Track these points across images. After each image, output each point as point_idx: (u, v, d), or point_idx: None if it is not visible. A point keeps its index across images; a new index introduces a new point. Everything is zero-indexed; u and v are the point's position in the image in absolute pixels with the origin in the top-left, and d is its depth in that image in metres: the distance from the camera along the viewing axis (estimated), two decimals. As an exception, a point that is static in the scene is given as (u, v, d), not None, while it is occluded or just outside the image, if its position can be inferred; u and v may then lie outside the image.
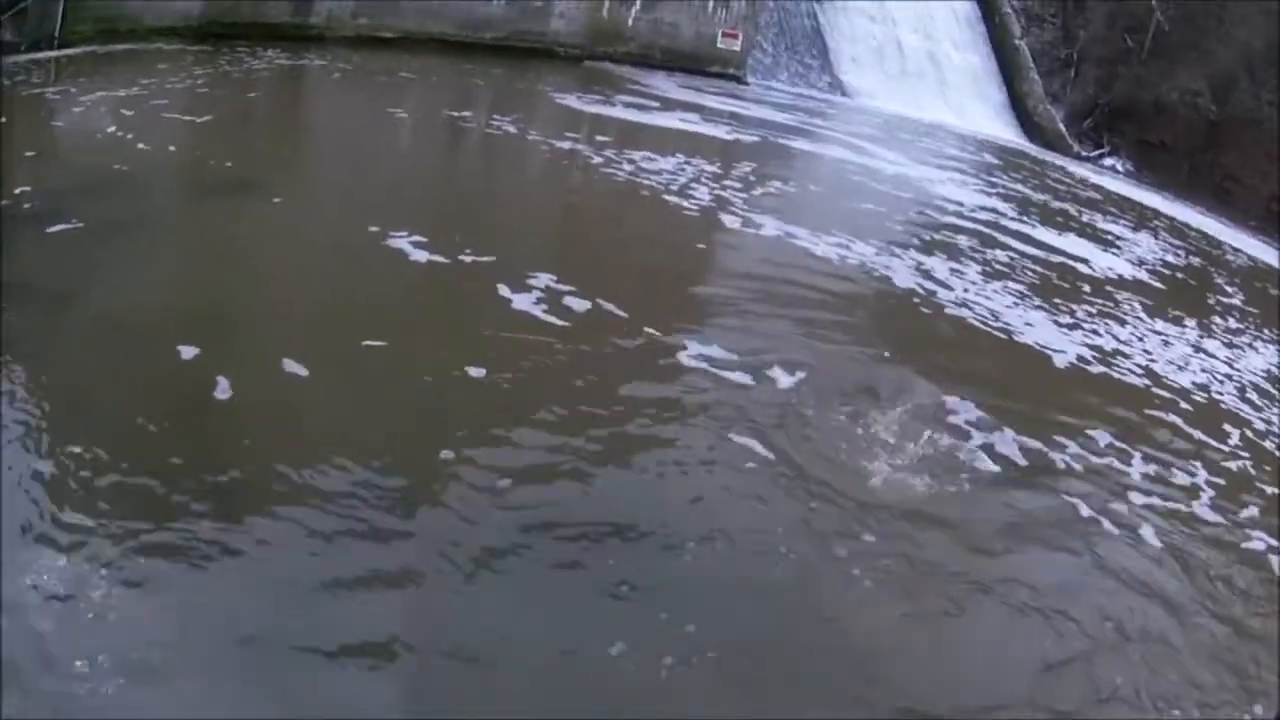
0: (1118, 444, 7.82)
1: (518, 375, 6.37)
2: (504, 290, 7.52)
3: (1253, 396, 10.77)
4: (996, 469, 6.81)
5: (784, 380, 7.12)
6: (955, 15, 30.90)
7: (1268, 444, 9.37)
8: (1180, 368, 10.68)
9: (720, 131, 16.96)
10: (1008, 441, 7.27)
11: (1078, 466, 7.22)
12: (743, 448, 6.16)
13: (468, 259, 8.06)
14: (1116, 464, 7.46)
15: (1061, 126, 31.09)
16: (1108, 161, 31.24)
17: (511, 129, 13.67)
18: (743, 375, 7.12)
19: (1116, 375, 9.76)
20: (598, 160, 12.71)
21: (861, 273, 10.52)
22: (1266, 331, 14.78)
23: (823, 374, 7.42)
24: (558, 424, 5.98)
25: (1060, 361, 9.63)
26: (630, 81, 19.33)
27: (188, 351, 5.87)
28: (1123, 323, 11.76)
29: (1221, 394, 10.39)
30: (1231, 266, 20.53)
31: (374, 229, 8.22)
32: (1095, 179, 26.73)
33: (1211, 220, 26.26)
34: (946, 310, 10.15)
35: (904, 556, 5.54)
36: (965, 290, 10.94)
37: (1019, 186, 20.63)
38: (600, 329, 7.33)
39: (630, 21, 20.55)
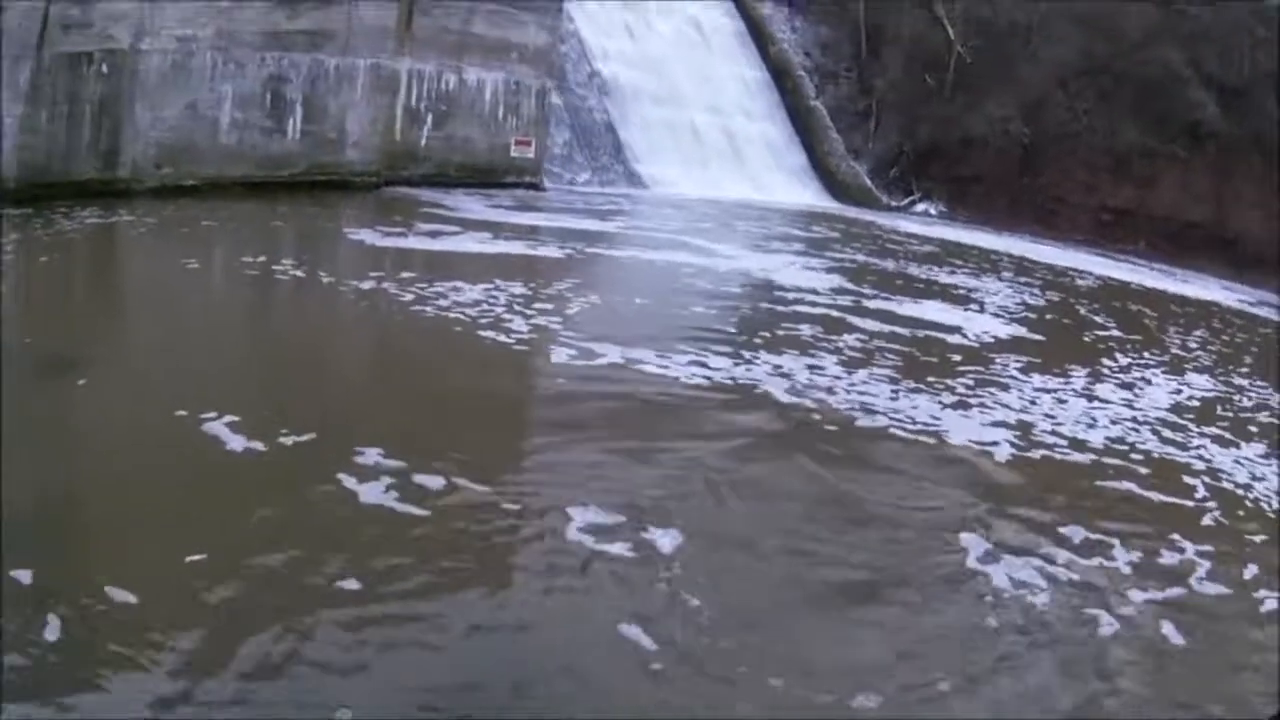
0: (1091, 536, 7.29)
1: (388, 587, 5.45)
2: (341, 478, 6.63)
3: (1173, 436, 10.70)
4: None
5: (665, 545, 6.24)
6: (746, 86, 31.36)
7: (1225, 484, 9.23)
8: (1089, 425, 10.41)
9: (526, 248, 16.49)
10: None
11: (1067, 575, 6.61)
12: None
13: (288, 440, 7.08)
14: (1102, 562, 6.93)
15: (867, 181, 31.63)
16: (920, 207, 32.01)
17: (314, 274, 12.70)
18: (622, 546, 6.19)
19: (1035, 454, 9.21)
20: (405, 299, 11.92)
21: (723, 390, 9.76)
22: (1146, 355, 15.12)
23: (704, 534, 6.54)
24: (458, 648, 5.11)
25: (968, 453, 8.93)
26: (428, 205, 18.61)
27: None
28: (1006, 388, 11.41)
29: (1143, 443, 10.17)
30: (1083, 291, 21.08)
31: (182, 413, 7.57)
32: (912, 228, 27.12)
33: (1042, 245, 27.12)
34: (827, 417, 9.39)
35: None
36: (835, 388, 10.31)
37: (843, 254, 20.65)
38: (464, 512, 6.44)
39: (424, 140, 20.25)
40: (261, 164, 18.35)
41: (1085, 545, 7.22)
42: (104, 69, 16.80)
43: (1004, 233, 28.72)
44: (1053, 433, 9.98)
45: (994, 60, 32.40)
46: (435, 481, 6.78)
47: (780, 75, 32.28)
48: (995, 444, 9.30)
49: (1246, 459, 10.34)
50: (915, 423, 9.57)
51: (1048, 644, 5.74)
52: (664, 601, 5.65)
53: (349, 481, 6.63)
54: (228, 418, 7.43)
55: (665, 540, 6.32)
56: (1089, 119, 31.11)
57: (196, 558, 5.48)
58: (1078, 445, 9.71)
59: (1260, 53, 31.23)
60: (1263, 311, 24.27)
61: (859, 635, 5.66)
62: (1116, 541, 7.34)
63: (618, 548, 6.19)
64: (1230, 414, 12.44)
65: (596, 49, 27.43)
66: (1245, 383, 14.66)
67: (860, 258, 20.57)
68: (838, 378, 10.81)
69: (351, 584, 5.42)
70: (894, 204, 31.85)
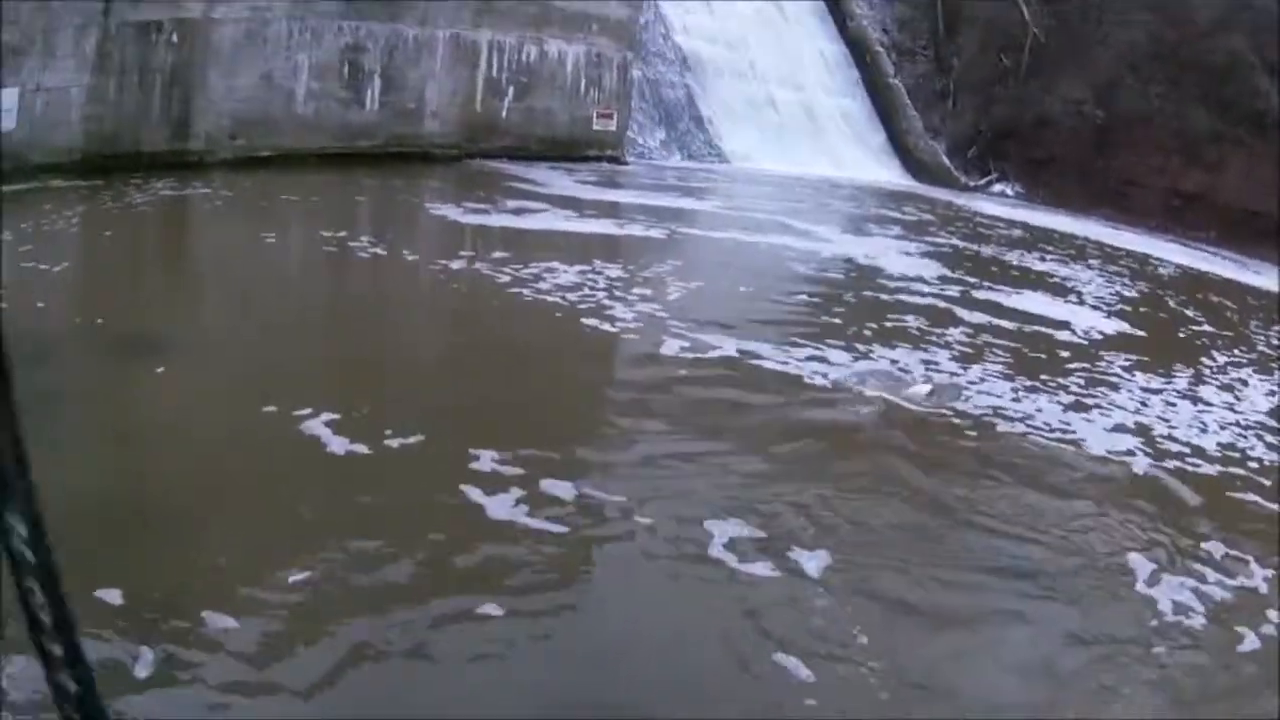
0: (1230, 553, 6.86)
1: (536, 620, 4.84)
2: (464, 488, 5.96)
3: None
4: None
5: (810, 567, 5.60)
6: (825, 62, 30.62)
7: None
8: (1201, 430, 9.88)
9: (616, 227, 15.83)
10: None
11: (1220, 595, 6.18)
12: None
13: (393, 442, 6.40)
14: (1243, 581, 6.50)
15: (945, 159, 30.90)
16: (996, 188, 31.22)
17: (397, 252, 12.33)
18: (765, 567, 5.56)
19: (1168, 464, 8.66)
20: (500, 280, 11.25)
21: (847, 392, 9.08)
22: (1236, 353, 14.54)
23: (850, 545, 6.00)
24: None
25: (1109, 468, 8.35)
26: (510, 178, 18.10)
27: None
28: (1116, 388, 10.89)
29: (1252, 449, 9.64)
30: (1167, 280, 20.59)
31: (272, 408, 6.90)
32: (993, 209, 26.51)
33: (1120, 231, 26.43)
34: (959, 422, 8.78)
35: None
36: (961, 388, 9.74)
37: (938, 238, 20.04)
38: (602, 528, 5.81)
39: (504, 113, 19.61)
40: (339, 135, 17.82)
41: (1228, 561, 6.82)
42: (174, 38, 16.34)
43: (1079, 215, 27.90)
44: (1169, 437, 9.51)
45: (1066, 42, 31.63)
46: (563, 489, 6.16)
47: (858, 51, 31.53)
48: (1130, 453, 8.80)
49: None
50: (1047, 427, 9.07)
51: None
52: (818, 623, 5.17)
53: (472, 493, 5.98)
54: (325, 415, 6.84)
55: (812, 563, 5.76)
56: (1160, 102, 30.22)
57: (299, 578, 4.70)
58: (1198, 452, 9.21)
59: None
60: None
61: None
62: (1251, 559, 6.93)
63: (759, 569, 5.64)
64: None
65: (676, 23, 26.99)
66: None
67: (956, 242, 19.95)
68: (954, 374, 10.34)
69: (490, 608, 4.85)
70: (971, 184, 31.02)
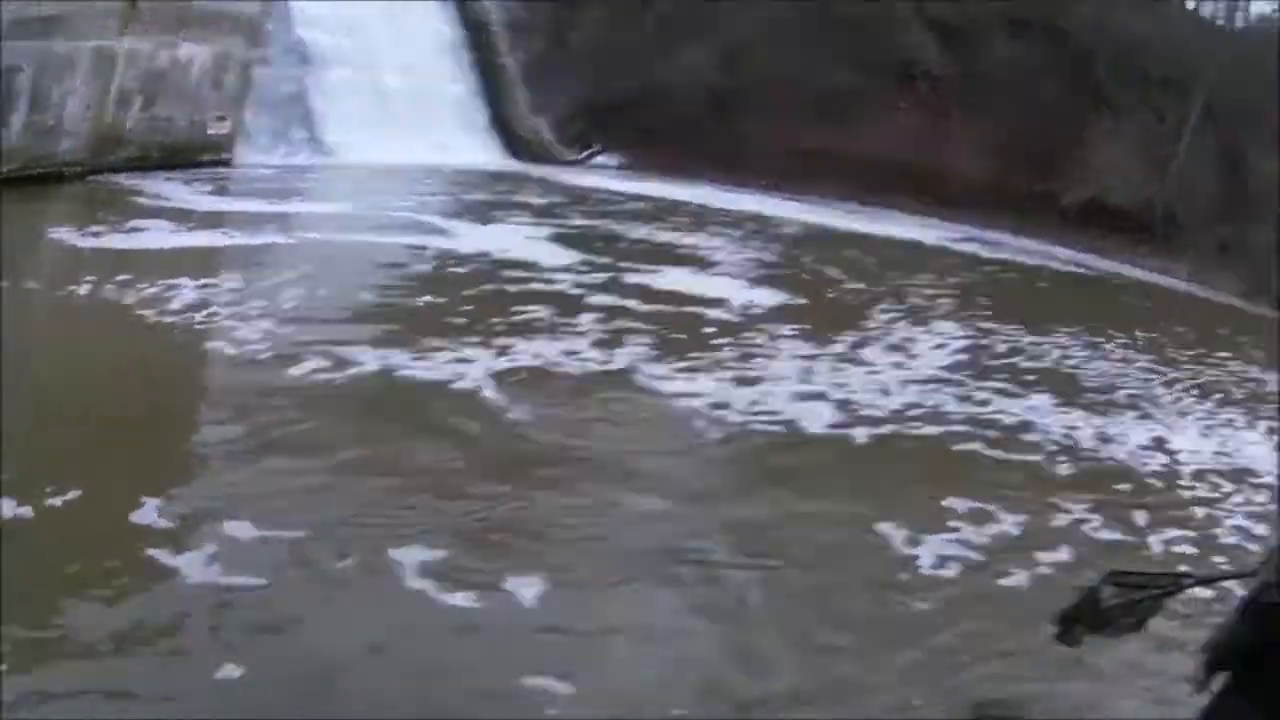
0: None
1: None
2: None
3: (967, 393, 11.71)
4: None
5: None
6: (442, 45, 30.67)
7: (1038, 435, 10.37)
8: (883, 392, 11.27)
9: (227, 238, 15.14)
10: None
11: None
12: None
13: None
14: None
15: (547, 136, 31.53)
16: (598, 160, 32.05)
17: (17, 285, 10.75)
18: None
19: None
20: (125, 304, 10.56)
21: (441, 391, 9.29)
22: (887, 306, 16.17)
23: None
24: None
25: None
26: (131, 193, 17.30)
27: None
28: (773, 358, 11.95)
29: (944, 405, 11.13)
30: (798, 241, 22.19)
31: None
32: (595, 182, 27.33)
33: (731, 193, 28.05)
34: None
35: None
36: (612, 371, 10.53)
37: (560, 220, 20.19)
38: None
39: (130, 124, 18.85)
40: (-17, 164, 16.30)
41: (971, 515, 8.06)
42: None
43: (691, 182, 29.02)
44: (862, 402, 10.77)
45: (693, 12, 32.76)
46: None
47: (476, 32, 31.69)
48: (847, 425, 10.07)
49: (1034, 408, 11.61)
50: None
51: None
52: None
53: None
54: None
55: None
56: (793, 64, 31.62)
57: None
58: (896, 416, 10.57)
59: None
60: (969, 248, 26.14)
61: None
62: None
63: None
64: (996, 362, 13.75)
65: (299, 14, 25.97)
66: (991, 326, 15.99)
67: (581, 222, 20.55)
68: (603, 361, 10.99)
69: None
70: (572, 158, 31.89)
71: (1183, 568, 7.02)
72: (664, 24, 32.69)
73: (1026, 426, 10.87)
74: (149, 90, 19.25)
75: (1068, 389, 12.75)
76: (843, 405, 10.63)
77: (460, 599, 5.86)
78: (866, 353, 13.07)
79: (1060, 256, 27.65)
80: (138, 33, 18.43)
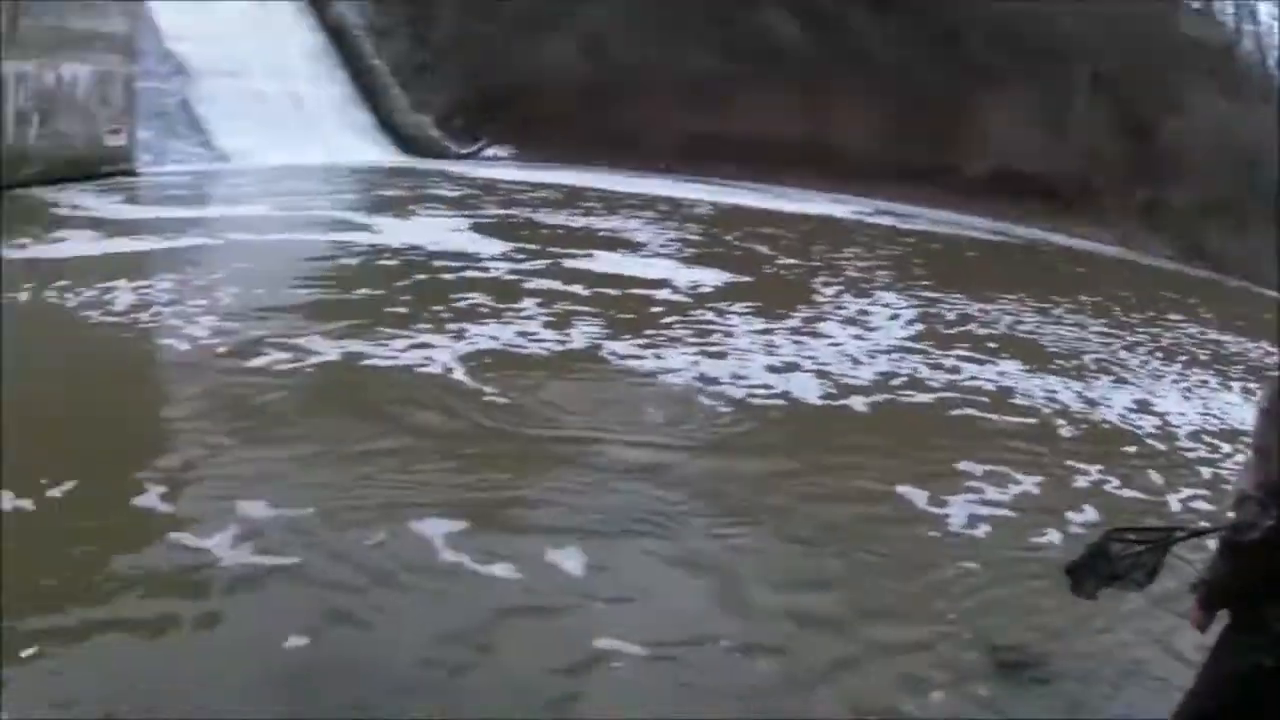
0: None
1: None
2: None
3: (938, 360, 11.67)
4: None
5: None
6: (307, 52, 30.70)
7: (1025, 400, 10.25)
8: (855, 362, 11.19)
9: (147, 243, 14.18)
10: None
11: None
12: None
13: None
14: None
15: (433, 132, 31.50)
16: (489, 152, 32.10)
17: None
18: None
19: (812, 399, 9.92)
20: (68, 308, 10.21)
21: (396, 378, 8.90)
22: (826, 280, 16.20)
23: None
24: None
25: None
26: (47, 205, 16.69)
27: None
28: (730, 334, 11.77)
29: (918, 372, 11.05)
30: (711, 220, 22.10)
31: None
32: (490, 173, 27.15)
33: (631, 178, 28.03)
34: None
35: None
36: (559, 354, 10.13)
37: (475, 210, 19.87)
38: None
39: (32, 140, 18.96)
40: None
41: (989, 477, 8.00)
42: None
43: (582, 168, 28.99)
44: (838, 373, 10.70)
45: (549, 2, 32.79)
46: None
47: (339, 37, 31.60)
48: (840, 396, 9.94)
49: (1007, 374, 11.58)
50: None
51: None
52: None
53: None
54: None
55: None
56: (656, 51, 31.84)
57: None
58: (878, 385, 10.50)
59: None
60: (885, 220, 26.31)
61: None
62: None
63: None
64: (952, 331, 13.67)
65: (170, 29, 25.98)
66: (935, 295, 15.96)
67: (499, 211, 20.30)
68: (560, 341, 10.74)
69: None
70: (462, 152, 31.78)
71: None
72: (521, 17, 32.63)
73: (1009, 392, 10.81)
74: (43, 109, 19.41)
75: (1035, 355, 12.72)
76: (822, 376, 10.51)
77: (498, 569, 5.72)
78: (823, 326, 12.93)
79: (979, 226, 27.99)
80: (17, 55, 18.43)
